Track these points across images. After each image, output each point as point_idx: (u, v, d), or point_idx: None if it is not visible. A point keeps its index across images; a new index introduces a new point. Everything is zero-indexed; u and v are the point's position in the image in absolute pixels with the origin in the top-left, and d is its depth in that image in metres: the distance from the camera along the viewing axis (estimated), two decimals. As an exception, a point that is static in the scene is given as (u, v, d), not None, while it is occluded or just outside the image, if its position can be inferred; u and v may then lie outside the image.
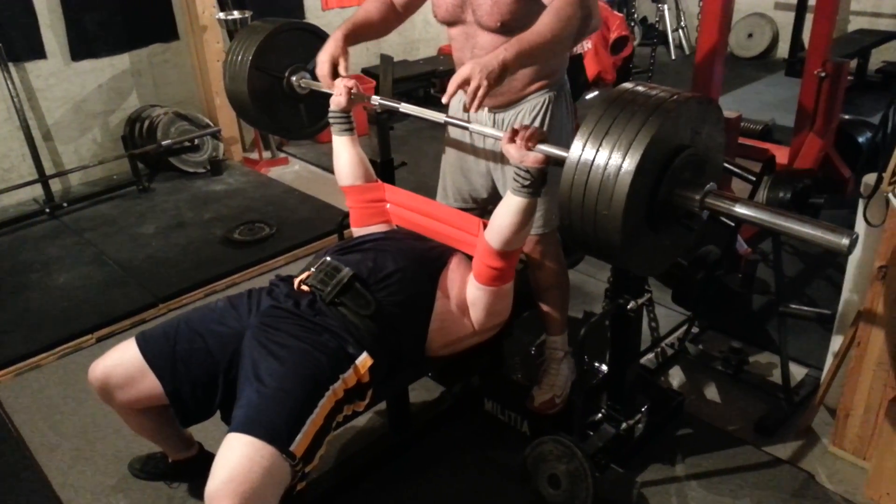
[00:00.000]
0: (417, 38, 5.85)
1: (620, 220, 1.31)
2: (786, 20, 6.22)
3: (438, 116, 1.91)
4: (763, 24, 6.75)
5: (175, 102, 4.58)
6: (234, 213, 3.89)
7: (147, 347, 1.74)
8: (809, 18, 3.74)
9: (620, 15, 3.31)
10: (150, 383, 1.73)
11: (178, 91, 4.66)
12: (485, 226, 1.88)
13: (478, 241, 1.88)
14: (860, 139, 3.83)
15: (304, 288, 1.83)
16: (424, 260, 1.95)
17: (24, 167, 4.11)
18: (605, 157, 1.31)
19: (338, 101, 2.07)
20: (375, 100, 2.05)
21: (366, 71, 5.19)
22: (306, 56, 2.28)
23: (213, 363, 1.72)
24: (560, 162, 1.51)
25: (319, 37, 2.33)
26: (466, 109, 1.65)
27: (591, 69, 3.14)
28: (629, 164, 1.29)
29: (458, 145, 2.20)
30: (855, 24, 6.12)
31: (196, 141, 4.40)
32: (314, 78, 2.26)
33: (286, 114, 2.35)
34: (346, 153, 2.16)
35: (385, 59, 2.35)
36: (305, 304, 1.77)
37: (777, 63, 6.53)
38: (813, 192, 2.46)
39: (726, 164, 2.68)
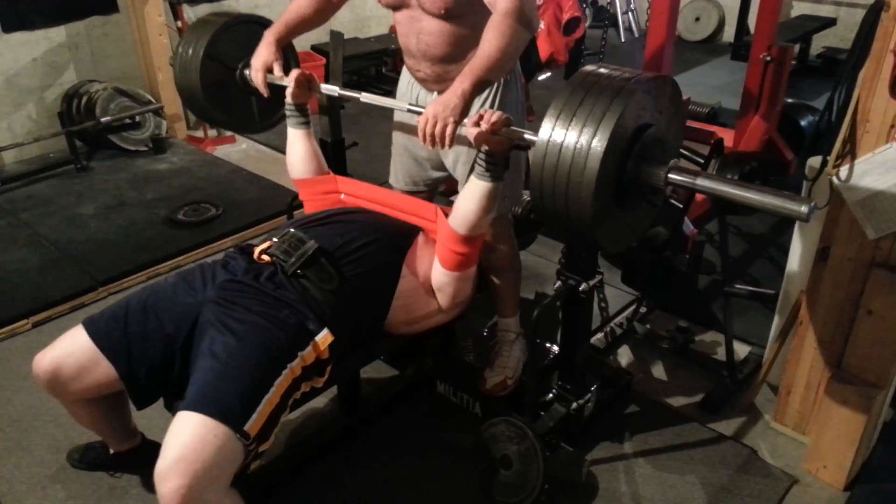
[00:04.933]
0: (369, 16, 5.75)
1: (591, 198, 1.35)
2: (732, 4, 6.31)
3: (402, 105, 1.88)
4: (710, 9, 6.86)
5: (115, 78, 4.40)
6: (178, 193, 3.77)
7: (97, 333, 1.67)
8: (755, 3, 3.80)
9: (572, -4, 3.30)
10: (103, 370, 1.66)
11: (118, 66, 4.48)
12: (445, 213, 1.86)
13: (439, 227, 1.87)
14: (802, 123, 3.93)
15: (265, 258, 1.77)
16: (392, 236, 1.93)
17: (-48, 144, 3.91)
18: (574, 138, 1.35)
19: (294, 93, 2.05)
20: (334, 89, 2.01)
21: (315, 48, 5.08)
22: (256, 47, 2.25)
23: (168, 341, 1.66)
24: (524, 146, 1.54)
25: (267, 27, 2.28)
26: (433, 144, 1.69)
27: (543, 50, 3.13)
28: (598, 143, 1.33)
29: (406, 128, 2.17)
30: (798, 9, 6.27)
31: (137, 118, 4.25)
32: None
33: (238, 107, 2.30)
34: (300, 146, 2.12)
35: (335, 36, 2.29)
36: (266, 276, 1.72)
37: (723, 47, 6.64)
38: (759, 174, 2.51)
39: (675, 147, 2.72)
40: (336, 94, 2.03)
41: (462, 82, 1.65)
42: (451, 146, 1.69)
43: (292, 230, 1.83)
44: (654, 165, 1.44)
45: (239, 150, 4.53)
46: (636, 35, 7.07)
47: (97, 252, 3.22)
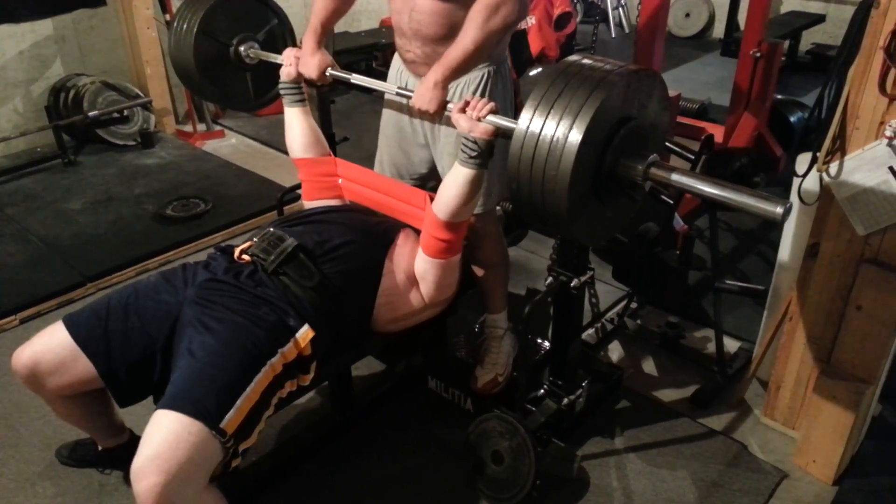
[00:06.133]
0: (359, 10, 5.72)
1: (567, 190, 1.34)
2: (722, 0, 6.34)
3: (390, 88, 1.89)
4: (700, 5, 6.87)
5: (102, 71, 4.37)
6: (166, 188, 3.75)
7: (77, 329, 1.66)
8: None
9: (563, -9, 3.29)
10: (83, 367, 1.65)
11: (105, 59, 4.44)
12: (431, 199, 1.86)
13: (426, 213, 1.87)
14: (792, 119, 3.95)
15: (246, 258, 1.78)
16: (372, 234, 1.93)
17: (-63, 138, 3.86)
18: (552, 128, 1.34)
19: (288, 71, 2.06)
20: (328, 71, 2.01)
21: (305, 42, 5.05)
22: (255, 26, 2.25)
23: (149, 341, 1.65)
24: (508, 134, 1.54)
25: (269, 7, 2.29)
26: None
27: (534, 45, 3.13)
28: (575, 134, 1.32)
29: (396, 119, 2.16)
30: (787, 5, 6.29)
31: (125, 112, 4.22)
32: (263, 48, 2.23)
33: (233, 84, 2.30)
34: (298, 125, 2.12)
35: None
36: (246, 274, 1.72)
37: (713, 43, 6.66)
38: (749, 170, 2.52)
39: (666, 143, 2.72)
40: (329, 75, 2.03)
41: (435, 73, 1.74)
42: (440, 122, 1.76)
43: (272, 229, 1.83)
44: (634, 160, 1.43)
45: (228, 145, 4.50)
46: (626, 31, 7.07)
47: (85, 247, 3.19)
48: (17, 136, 4.04)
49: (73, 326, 1.67)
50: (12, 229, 3.34)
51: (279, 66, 2.09)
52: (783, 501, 2.00)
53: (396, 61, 2.11)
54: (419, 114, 1.82)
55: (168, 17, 4.29)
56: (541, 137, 1.36)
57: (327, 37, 2.08)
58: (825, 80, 1.88)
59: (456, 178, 1.74)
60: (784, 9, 6.26)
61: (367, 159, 2.29)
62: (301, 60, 2.04)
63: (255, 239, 1.82)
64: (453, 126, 1.76)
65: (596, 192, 1.44)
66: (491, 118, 1.64)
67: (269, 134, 4.60)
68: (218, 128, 4.67)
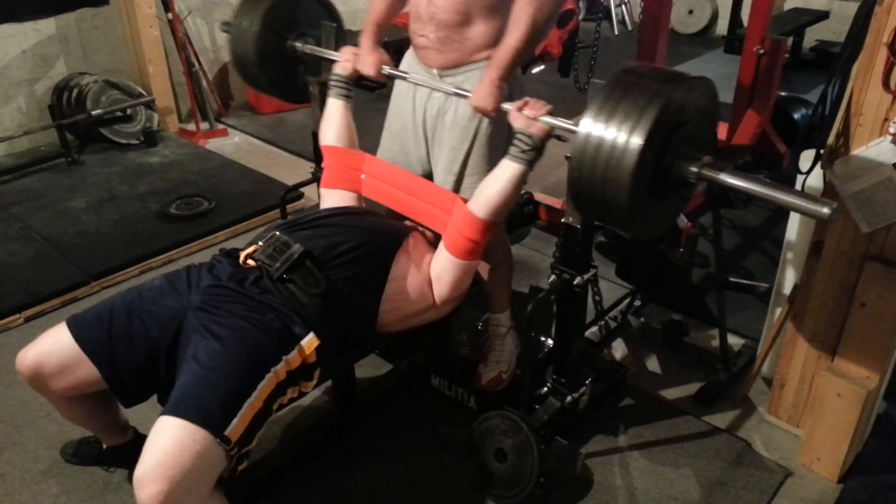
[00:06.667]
0: (362, 8, 5.71)
1: (627, 190, 1.43)
2: (725, -3, 6.32)
3: (447, 88, 1.94)
4: (703, 1, 6.85)
5: (105, 70, 4.37)
6: (169, 187, 3.75)
7: (81, 332, 1.66)
8: (749, -4, 3.80)
9: (566, -12, 3.28)
10: (86, 370, 1.65)
11: (108, 58, 4.45)
12: (465, 201, 1.89)
13: (455, 214, 1.89)
14: (796, 116, 3.93)
15: (251, 262, 1.77)
16: (381, 237, 1.92)
17: (-59, 137, 3.87)
18: (613, 132, 1.44)
19: (345, 66, 2.12)
20: (384, 68, 2.08)
21: (307, 40, 5.05)
22: (309, 22, 2.37)
23: (153, 345, 1.65)
24: (561, 135, 1.69)
25: (326, 8, 2.41)
26: None
27: (537, 43, 3.12)
28: (637, 138, 1.41)
29: (401, 116, 2.17)
30: (791, 2, 6.27)
31: (128, 111, 4.22)
32: (317, 43, 2.33)
33: (285, 77, 2.43)
34: (338, 116, 2.17)
35: (327, 28, 2.29)
36: (251, 280, 1.71)
37: (716, 40, 6.64)
38: (753, 167, 2.51)
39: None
40: (385, 73, 2.08)
41: (490, 74, 1.82)
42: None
43: (277, 233, 1.81)
44: (688, 161, 1.52)
45: (231, 144, 4.50)
46: (629, 28, 7.06)
47: (89, 246, 3.20)
48: (20, 135, 4.04)
49: (76, 329, 1.67)
50: (16, 228, 3.34)
51: (332, 62, 2.16)
52: (787, 499, 2.00)
53: (408, 55, 2.13)
54: (478, 112, 1.87)
55: (171, 15, 4.29)
56: (603, 141, 1.44)
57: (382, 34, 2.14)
58: (829, 77, 1.87)
59: (502, 174, 1.78)
60: (788, 5, 6.23)
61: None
62: (359, 58, 2.09)
63: (260, 243, 1.80)
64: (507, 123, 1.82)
65: (653, 190, 1.53)
66: (548, 119, 1.70)
67: (272, 132, 4.60)
68: (221, 126, 4.67)
